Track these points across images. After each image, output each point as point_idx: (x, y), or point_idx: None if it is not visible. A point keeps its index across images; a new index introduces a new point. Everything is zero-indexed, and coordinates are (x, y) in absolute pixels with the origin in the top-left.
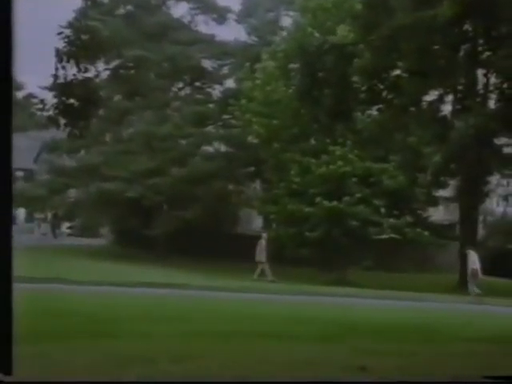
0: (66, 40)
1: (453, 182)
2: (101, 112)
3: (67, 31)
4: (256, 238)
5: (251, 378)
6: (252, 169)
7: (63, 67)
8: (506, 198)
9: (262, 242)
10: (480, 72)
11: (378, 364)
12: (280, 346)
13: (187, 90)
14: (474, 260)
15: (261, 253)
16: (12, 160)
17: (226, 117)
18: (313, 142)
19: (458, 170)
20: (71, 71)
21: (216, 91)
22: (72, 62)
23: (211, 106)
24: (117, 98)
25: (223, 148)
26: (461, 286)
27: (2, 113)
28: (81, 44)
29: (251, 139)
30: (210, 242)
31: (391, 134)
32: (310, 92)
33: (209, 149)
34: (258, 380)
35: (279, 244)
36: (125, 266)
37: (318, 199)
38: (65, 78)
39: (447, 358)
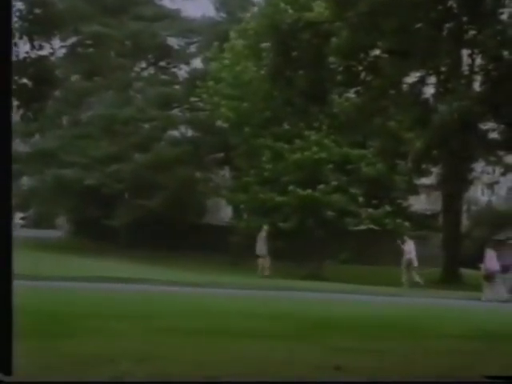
0: (17, 14)
1: (435, 170)
2: (57, 93)
3: (19, 4)
4: (224, 230)
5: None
6: (221, 155)
7: (15, 44)
8: (491, 186)
9: (263, 235)
10: (465, 52)
11: (354, 363)
12: (253, 344)
13: (151, 70)
14: (409, 249)
15: (261, 246)
16: (11, 159)
17: (192, 99)
18: (286, 126)
19: (441, 156)
20: (24, 49)
21: (182, 71)
22: (25, 38)
23: (177, 87)
24: (74, 78)
25: (190, 133)
26: (444, 280)
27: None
28: (34, 19)
29: (220, 123)
30: (176, 234)
31: (370, 118)
32: (282, 73)
33: (174, 133)
34: (259, 380)
35: (249, 236)
36: (83, 258)
37: (291, 187)
38: (17, 56)
39: (426, 355)
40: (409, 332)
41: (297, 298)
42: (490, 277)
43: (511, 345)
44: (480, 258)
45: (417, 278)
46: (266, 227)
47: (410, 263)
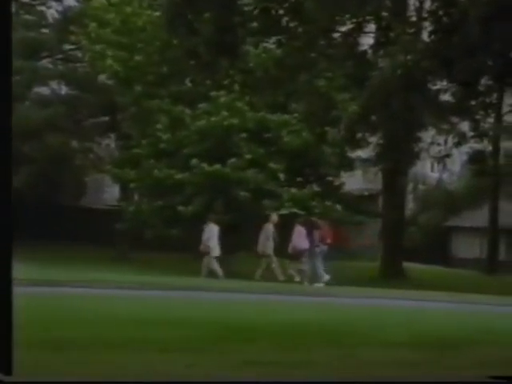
0: None
1: (374, 140)
2: None
3: None
4: (108, 215)
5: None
6: (104, 119)
7: None
8: (442, 160)
9: (269, 228)
10: None
11: (269, 378)
12: (135, 357)
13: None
14: (209, 236)
15: (265, 242)
16: (12, 158)
17: (67, 47)
18: (188, 84)
19: (381, 123)
20: None
21: (52, 11)
22: None
23: (46, 31)
24: None
25: (64, 90)
26: (383, 276)
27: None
28: None
29: (103, 79)
30: (46, 218)
31: (293, 75)
32: (183, 16)
33: (43, 90)
34: (260, 380)
35: (141, 222)
36: None
37: (194, 162)
38: None
39: (359, 367)
40: (339, 340)
41: (203, 299)
42: (297, 256)
43: (466, 352)
44: (430, 248)
45: (218, 270)
46: (274, 216)
47: (206, 251)
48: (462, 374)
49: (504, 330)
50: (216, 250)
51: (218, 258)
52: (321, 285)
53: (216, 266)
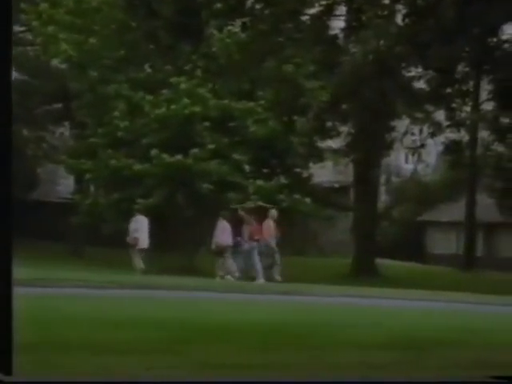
0: None
1: (344, 129)
2: None
3: None
4: (62, 208)
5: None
6: (57, 106)
7: None
8: (417, 151)
9: (269, 223)
10: None
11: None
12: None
13: None
14: (137, 227)
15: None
16: (12, 158)
17: (16, 29)
18: (147, 69)
19: (352, 111)
20: None
21: None
22: None
23: None
24: None
25: (14, 75)
26: (355, 273)
27: None
28: None
29: (57, 63)
30: None
31: (259, 61)
32: None
33: None
34: (260, 380)
35: (97, 216)
36: None
37: (154, 152)
38: None
39: (326, 370)
40: (305, 341)
41: (165, 298)
42: (220, 252)
43: (441, 353)
44: (404, 243)
45: (141, 265)
46: (274, 211)
47: (134, 244)
48: (442, 375)
49: (481, 329)
50: (144, 243)
51: (144, 251)
52: (260, 281)
53: (138, 259)
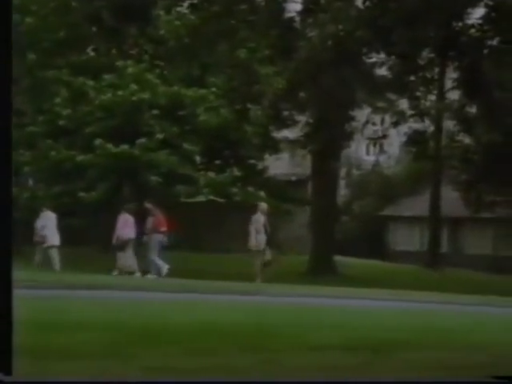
0: None
1: (302, 118)
2: None
3: None
4: None
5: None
6: None
7: None
8: (378, 141)
9: (259, 218)
10: None
11: None
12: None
13: None
14: (44, 224)
15: (257, 235)
16: (11, 158)
17: None
18: (91, 53)
19: (310, 99)
20: None
21: None
22: None
23: None
24: None
25: None
26: (312, 271)
27: None
28: None
29: None
30: None
31: (211, 45)
32: None
33: None
34: (259, 380)
35: (37, 210)
36: None
37: (98, 141)
38: None
39: (282, 374)
40: (261, 343)
41: (109, 299)
42: (121, 246)
43: (402, 355)
44: (365, 240)
45: (57, 263)
46: (263, 205)
47: (41, 241)
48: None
49: (445, 329)
50: (54, 239)
51: (57, 248)
52: (155, 276)
53: (55, 256)
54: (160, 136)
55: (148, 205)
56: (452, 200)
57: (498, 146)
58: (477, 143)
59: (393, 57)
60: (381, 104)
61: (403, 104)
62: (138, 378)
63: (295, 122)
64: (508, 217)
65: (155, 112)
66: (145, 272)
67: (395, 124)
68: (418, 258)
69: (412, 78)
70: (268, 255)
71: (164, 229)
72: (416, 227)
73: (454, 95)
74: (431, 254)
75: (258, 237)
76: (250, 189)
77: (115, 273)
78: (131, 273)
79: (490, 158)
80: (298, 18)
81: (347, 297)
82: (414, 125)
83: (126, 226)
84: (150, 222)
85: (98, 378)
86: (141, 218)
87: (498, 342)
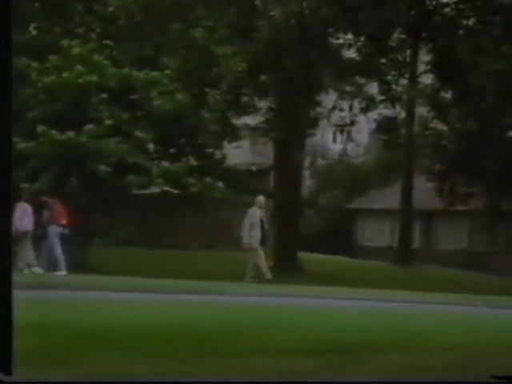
0: None
1: (264, 104)
2: None
3: None
4: None
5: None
6: None
7: None
8: (346, 129)
9: (255, 213)
10: None
11: None
12: None
13: None
14: (19, 217)
15: (251, 231)
16: (11, 158)
17: None
18: (32, 32)
19: (272, 83)
20: None
21: None
22: None
23: None
24: None
25: None
26: (275, 270)
27: None
28: None
29: None
30: None
31: (164, 24)
32: None
33: None
34: (262, 380)
35: None
36: None
37: (41, 128)
38: None
39: (242, 375)
40: (221, 346)
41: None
42: (19, 239)
43: (369, 358)
44: (331, 235)
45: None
46: (261, 198)
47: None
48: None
49: (418, 330)
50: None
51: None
52: (62, 272)
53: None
54: (109, 122)
55: (45, 198)
56: (425, 191)
57: (473, 134)
58: (451, 131)
59: (361, 37)
60: (349, 88)
61: (373, 88)
62: (139, 378)
63: (256, 108)
64: (484, 209)
65: (104, 96)
66: (54, 268)
67: (364, 110)
68: (389, 254)
69: (382, 60)
70: (261, 254)
71: (64, 221)
72: (386, 221)
73: (427, 79)
74: (402, 249)
75: (252, 233)
76: (208, 179)
77: (26, 270)
78: (35, 268)
79: (466, 146)
80: None
81: (312, 296)
82: (384, 111)
83: (23, 217)
84: (47, 214)
85: (98, 378)
86: (39, 208)
87: (466, 343)
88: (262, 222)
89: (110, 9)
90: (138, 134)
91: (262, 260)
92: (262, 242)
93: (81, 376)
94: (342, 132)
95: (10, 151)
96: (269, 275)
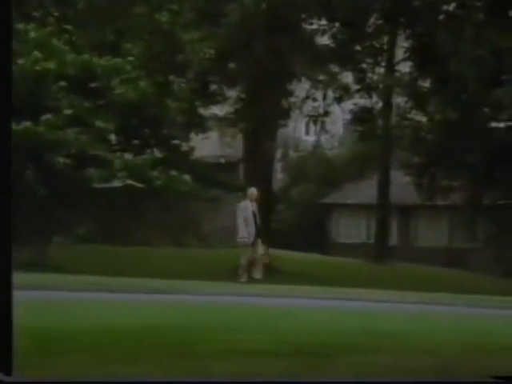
0: None
1: (233, 93)
2: None
3: None
4: None
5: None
6: None
7: None
8: (319, 119)
9: (247, 207)
10: None
11: None
12: None
13: None
14: None
15: (246, 226)
16: (11, 158)
17: None
18: None
19: (241, 71)
20: None
21: None
22: None
23: None
24: None
25: None
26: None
27: None
28: None
29: None
30: None
31: (127, 7)
32: None
33: None
34: (258, 380)
35: None
36: None
37: None
38: None
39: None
40: (186, 348)
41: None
42: None
43: (341, 360)
44: (304, 230)
45: None
46: (253, 191)
47: None
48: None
49: (395, 331)
50: None
51: None
52: None
53: None
54: (68, 111)
55: None
56: (402, 185)
57: (453, 125)
58: (430, 121)
59: (336, 23)
60: (322, 77)
61: (348, 77)
62: (139, 378)
63: (225, 97)
64: (465, 204)
65: (62, 84)
66: None
67: (339, 100)
68: (364, 251)
69: (358, 47)
70: (259, 250)
71: None
72: (362, 216)
73: (404, 67)
74: (378, 246)
75: (247, 228)
76: (174, 172)
77: None
78: None
79: (445, 137)
80: None
81: (284, 295)
82: (359, 101)
83: None
84: None
85: (98, 378)
86: None
87: (444, 344)
88: (254, 215)
89: None
90: (99, 124)
91: (259, 256)
92: (257, 237)
93: (81, 376)
94: (315, 123)
95: (11, 151)
96: (259, 275)
